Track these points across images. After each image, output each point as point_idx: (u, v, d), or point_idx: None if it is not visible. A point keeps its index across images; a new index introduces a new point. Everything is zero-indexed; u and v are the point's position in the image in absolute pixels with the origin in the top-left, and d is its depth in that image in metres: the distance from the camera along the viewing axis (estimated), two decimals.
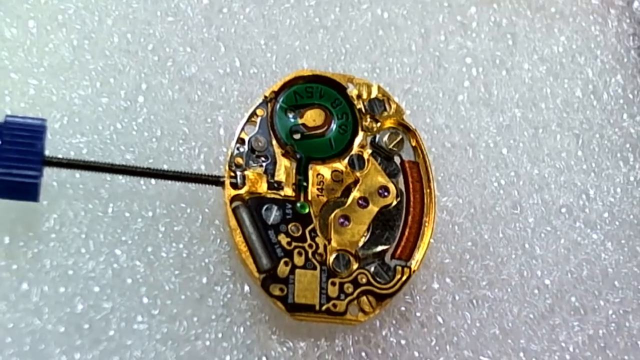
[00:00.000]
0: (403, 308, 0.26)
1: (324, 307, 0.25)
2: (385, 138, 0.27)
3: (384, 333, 0.26)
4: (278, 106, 0.27)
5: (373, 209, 0.26)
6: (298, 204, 0.26)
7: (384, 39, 0.29)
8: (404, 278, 0.26)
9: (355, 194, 0.26)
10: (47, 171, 0.25)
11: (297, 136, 0.26)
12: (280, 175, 0.26)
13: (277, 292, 0.25)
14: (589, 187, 0.29)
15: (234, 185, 0.25)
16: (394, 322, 0.26)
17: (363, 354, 0.26)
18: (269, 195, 0.26)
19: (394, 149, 0.27)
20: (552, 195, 0.28)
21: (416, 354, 0.26)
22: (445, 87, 0.29)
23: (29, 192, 0.24)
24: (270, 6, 0.29)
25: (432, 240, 0.26)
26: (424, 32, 0.30)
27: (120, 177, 0.26)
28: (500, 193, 0.28)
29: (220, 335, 0.25)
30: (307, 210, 0.26)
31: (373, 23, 0.30)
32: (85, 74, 0.27)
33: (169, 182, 0.26)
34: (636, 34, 0.31)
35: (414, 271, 0.26)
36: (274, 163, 0.26)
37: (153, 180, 0.26)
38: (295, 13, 0.29)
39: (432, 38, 0.30)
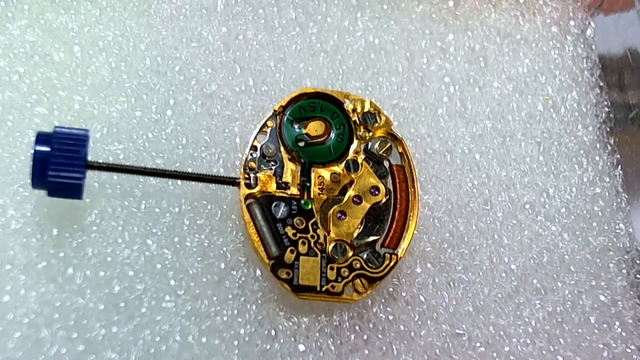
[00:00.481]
0: (391, 289, 0.27)
1: (323, 288, 0.25)
2: (376, 145, 0.27)
3: (374, 310, 0.26)
4: (285, 118, 0.27)
5: (366, 205, 0.26)
6: (302, 201, 0.26)
7: (375, 61, 0.30)
8: (391, 263, 0.26)
9: (350, 192, 0.26)
10: (90, 174, 0.25)
11: (301, 144, 0.27)
12: (287, 177, 0.26)
13: (284, 276, 0.25)
14: (549, 187, 0.29)
15: (248, 185, 0.26)
16: (383, 300, 0.27)
17: (357, 327, 0.26)
18: (277, 194, 0.26)
19: (384, 154, 0.27)
20: (517, 194, 0.28)
21: (402, 327, 0.26)
22: (427, 102, 0.29)
23: (74, 191, 0.25)
24: (278, 34, 0.29)
25: (415, 232, 0.26)
26: (409, 56, 0.30)
27: (151, 178, 0.27)
28: (474, 192, 0.28)
29: (235, 312, 0.25)
30: (309, 207, 0.26)
31: (366, 48, 0.30)
32: (121, 91, 0.28)
33: (193, 182, 0.26)
34: (589, 57, 0.31)
35: (400, 258, 0.26)
36: (282, 167, 0.26)
37: (179, 181, 0.27)
38: (299, 39, 0.29)
39: (415, 61, 0.30)
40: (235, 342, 0.25)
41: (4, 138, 0.26)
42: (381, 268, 0.26)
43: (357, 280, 0.26)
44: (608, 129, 0.30)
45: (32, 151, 0.24)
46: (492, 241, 0.28)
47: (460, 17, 0.31)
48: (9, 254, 0.25)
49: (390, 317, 0.26)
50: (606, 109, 0.30)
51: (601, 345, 0.27)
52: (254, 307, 0.26)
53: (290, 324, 0.26)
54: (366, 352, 0.26)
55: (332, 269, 0.26)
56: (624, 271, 0.28)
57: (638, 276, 0.28)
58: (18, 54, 0.27)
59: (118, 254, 0.26)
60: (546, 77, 0.31)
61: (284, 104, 0.27)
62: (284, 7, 0.30)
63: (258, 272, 0.26)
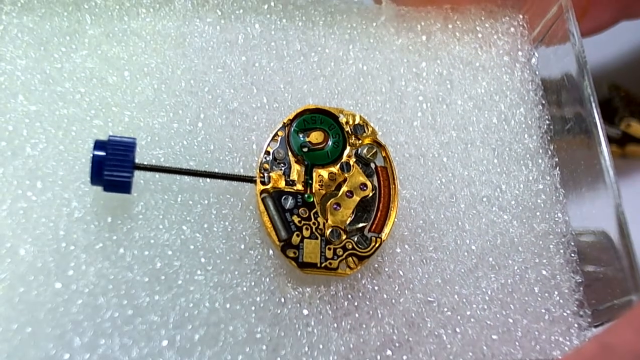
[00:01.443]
0: (376, 265, 0.26)
1: (323, 265, 0.25)
2: (365, 151, 0.27)
3: (363, 282, 0.26)
4: (292, 129, 0.27)
5: (356, 198, 0.26)
6: (306, 195, 0.26)
7: (364, 83, 0.29)
8: (377, 245, 0.26)
9: (344, 188, 0.26)
10: (137, 173, 0.25)
11: (305, 149, 0.26)
12: (294, 176, 0.26)
13: (291, 255, 0.25)
14: (502, 184, 0.29)
15: (263, 182, 0.26)
16: (370, 274, 0.26)
17: (349, 296, 0.26)
18: (286, 189, 0.26)
19: (370, 158, 0.27)
20: (477, 189, 0.28)
21: (385, 296, 0.26)
22: (404, 117, 0.29)
23: (124, 187, 0.25)
24: (287, 62, 0.29)
25: (395, 220, 0.26)
26: (390, 79, 0.30)
27: (186, 177, 0.26)
28: (442, 188, 0.28)
29: (252, 283, 0.25)
30: (311, 200, 0.26)
31: (356, 73, 0.30)
32: (162, 107, 0.27)
33: (219, 180, 0.26)
34: (533, 80, 0.31)
35: (383, 240, 0.26)
36: (290, 168, 0.26)
37: (208, 179, 0.26)
38: (303, 66, 0.29)
39: (395, 83, 0.30)
40: (253, 308, 0.25)
41: (69, 145, 0.26)
42: (368, 249, 0.26)
43: (349, 259, 0.25)
44: (549, 137, 0.30)
45: (91, 155, 0.24)
46: (457, 227, 0.28)
47: (431, 49, 0.31)
48: (73, 237, 0.25)
49: (376, 288, 0.26)
50: (547, 122, 0.30)
51: (543, 310, 0.27)
52: (267, 279, 0.25)
53: (296, 293, 0.25)
54: (357, 315, 0.26)
55: (329, 249, 0.25)
56: (561, 251, 0.28)
57: (572, 255, 0.28)
58: (80, 78, 0.27)
59: (159, 237, 0.25)
60: (499, 97, 0.30)
61: (291, 117, 0.27)
62: (291, 41, 0.30)
63: (270, 251, 0.26)
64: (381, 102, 0.29)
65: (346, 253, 0.25)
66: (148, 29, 0.28)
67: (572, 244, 0.28)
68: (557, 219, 0.28)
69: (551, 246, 0.28)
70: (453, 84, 0.30)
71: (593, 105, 0.28)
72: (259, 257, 0.26)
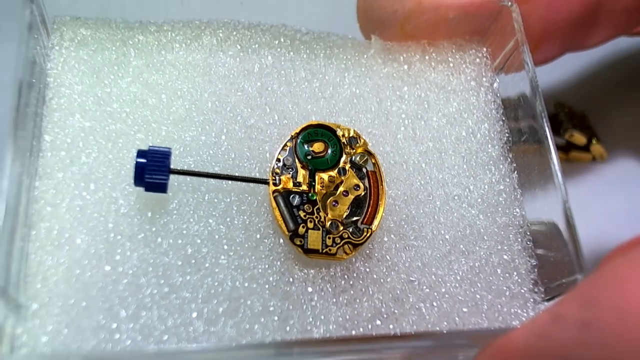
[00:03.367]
0: (367, 251, 0.26)
1: (324, 251, 0.25)
2: (358, 158, 0.27)
3: (357, 265, 0.26)
4: (298, 141, 0.27)
5: (351, 197, 0.26)
6: (310, 194, 0.26)
7: (357, 104, 0.29)
8: (368, 235, 0.26)
9: (341, 188, 0.26)
10: (172, 177, 0.25)
11: (309, 157, 0.27)
12: (300, 179, 0.26)
13: (298, 243, 0.25)
14: (470, 185, 0.29)
15: (274, 184, 0.26)
16: (362, 259, 0.26)
17: (345, 276, 0.26)
18: (293, 189, 0.26)
19: (363, 164, 0.27)
20: (449, 189, 0.28)
21: (374, 276, 0.26)
22: (390, 131, 0.29)
23: (162, 188, 0.25)
24: (294, 87, 0.29)
25: (383, 214, 0.26)
26: (378, 101, 0.30)
27: (212, 180, 0.26)
28: (421, 188, 0.28)
29: (266, 266, 0.25)
30: (314, 198, 0.26)
31: (350, 95, 0.30)
32: (192, 124, 0.27)
33: (239, 182, 0.26)
34: (495, 101, 0.31)
35: (373, 231, 0.26)
36: (296, 172, 0.26)
37: (230, 182, 0.26)
38: (307, 90, 0.29)
39: (382, 104, 0.30)
40: (267, 286, 0.25)
41: (117, 154, 0.26)
42: (361, 238, 0.26)
43: (345, 246, 0.25)
44: (508, 147, 0.30)
45: (135, 162, 0.24)
46: (433, 220, 0.28)
47: (412, 76, 0.31)
48: (120, 229, 0.25)
49: (367, 270, 0.26)
50: (507, 135, 0.30)
51: (505, 288, 0.27)
52: (278, 263, 0.25)
53: (302, 274, 0.25)
54: (352, 292, 0.26)
55: (329, 238, 0.25)
56: (519, 239, 0.28)
57: (528, 242, 0.28)
58: (125, 100, 0.27)
59: (190, 229, 0.25)
60: (467, 114, 0.30)
61: (297, 131, 0.27)
62: (297, 69, 0.30)
63: (281, 240, 0.26)
64: (371, 119, 0.29)
65: (343, 241, 0.25)
66: (181, 60, 0.29)
67: (528, 233, 0.28)
68: (515, 213, 0.28)
69: (511, 235, 0.28)
70: (429, 104, 0.30)
71: (544, 120, 0.28)
72: (271, 244, 0.26)
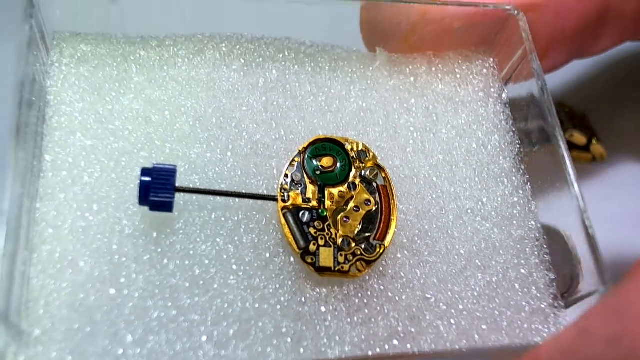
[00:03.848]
0: (381, 268, 0.26)
1: (336, 269, 0.24)
2: (368, 172, 0.26)
3: (370, 283, 0.25)
4: (306, 156, 0.26)
5: (362, 212, 0.25)
6: (320, 210, 0.25)
7: (364, 117, 0.29)
8: (381, 251, 0.25)
9: (351, 204, 0.26)
10: (178, 195, 0.24)
11: (318, 172, 0.26)
12: (309, 195, 0.25)
13: (309, 260, 0.24)
14: (483, 197, 0.28)
15: (283, 200, 0.25)
16: (376, 276, 0.25)
17: (359, 294, 0.25)
18: (303, 206, 0.25)
19: (373, 178, 0.26)
20: (462, 203, 0.28)
21: (389, 294, 0.25)
22: (399, 144, 0.29)
23: (167, 207, 0.24)
24: (299, 100, 0.29)
25: (396, 230, 0.26)
26: (385, 114, 0.29)
27: (219, 198, 0.25)
28: (433, 202, 0.27)
29: (277, 285, 0.24)
30: (325, 214, 0.25)
31: (357, 109, 0.29)
32: (197, 140, 0.27)
33: (246, 200, 0.25)
34: (504, 112, 0.30)
35: (386, 247, 0.25)
36: (305, 188, 0.25)
37: (237, 199, 0.25)
38: (314, 104, 0.29)
39: (390, 117, 0.29)
40: (278, 307, 0.24)
41: (120, 173, 0.25)
42: (374, 254, 0.25)
43: (358, 263, 0.25)
44: (519, 159, 0.29)
45: (139, 180, 0.24)
46: (447, 235, 0.27)
47: (419, 88, 0.30)
48: (124, 250, 0.24)
49: (382, 287, 0.25)
50: (517, 146, 0.30)
51: (524, 303, 0.26)
52: (289, 282, 0.25)
53: (315, 293, 0.24)
54: (366, 311, 0.25)
55: (341, 255, 0.24)
56: (536, 253, 0.27)
57: (545, 256, 0.27)
58: (128, 117, 0.27)
59: (197, 249, 0.24)
60: (477, 126, 0.30)
61: (305, 146, 0.26)
62: (302, 83, 0.29)
63: (292, 259, 0.25)
64: (379, 133, 0.29)
65: (355, 258, 0.25)
66: (184, 75, 0.28)
67: (545, 246, 0.27)
68: (530, 226, 0.28)
69: (527, 249, 0.27)
70: (438, 116, 0.30)
71: (558, 131, 0.27)
72: (282, 263, 0.25)
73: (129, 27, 0.28)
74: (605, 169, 0.38)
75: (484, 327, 0.25)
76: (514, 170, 0.29)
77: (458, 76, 0.31)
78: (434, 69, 0.31)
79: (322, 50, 0.30)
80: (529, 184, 0.29)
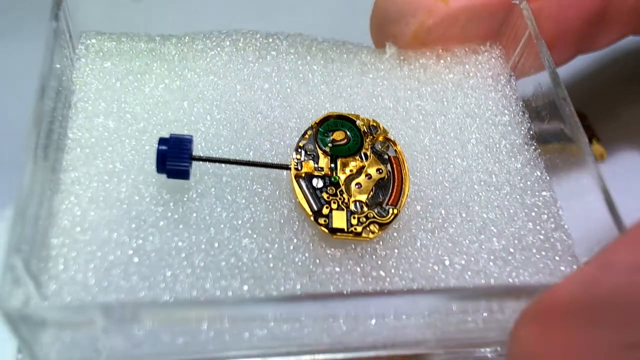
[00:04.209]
0: (395, 233, 0.26)
1: (349, 230, 0.24)
2: (379, 145, 0.27)
3: (384, 245, 0.25)
4: (319, 130, 0.27)
5: (374, 179, 0.26)
6: (332, 177, 0.26)
7: (375, 103, 0.30)
8: (394, 214, 0.25)
9: (363, 172, 0.26)
10: (195, 166, 0.25)
11: (330, 145, 0.26)
12: (321, 164, 0.26)
13: (322, 222, 0.24)
14: (495, 170, 0.28)
15: (296, 169, 0.26)
16: (390, 240, 0.25)
17: (373, 256, 0.25)
18: (315, 173, 0.26)
19: (384, 150, 0.27)
20: (474, 175, 0.28)
21: (404, 256, 0.25)
22: (410, 125, 0.29)
23: (184, 175, 0.25)
24: (312, 87, 0.30)
25: (408, 199, 0.26)
26: (396, 99, 0.30)
27: (234, 168, 0.26)
28: (445, 175, 0.28)
29: (292, 247, 0.25)
30: (337, 180, 0.26)
31: (368, 96, 0.30)
32: (213, 121, 0.28)
33: (261, 170, 0.26)
34: (514, 94, 0.31)
35: (399, 211, 0.25)
36: (318, 158, 0.26)
37: (251, 170, 0.26)
38: (326, 90, 0.30)
39: (400, 102, 0.30)
40: (292, 266, 0.24)
41: (140, 149, 0.26)
42: (387, 217, 0.25)
43: (371, 226, 0.25)
44: (530, 135, 0.30)
45: (157, 149, 0.24)
46: (460, 204, 0.27)
47: (428, 77, 0.31)
48: (142, 217, 0.25)
49: (396, 250, 0.25)
50: (528, 124, 0.30)
51: (541, 265, 0.25)
52: (303, 245, 0.25)
53: (329, 254, 0.25)
54: (381, 272, 0.24)
55: (354, 218, 0.25)
56: (552, 219, 0.27)
57: (561, 222, 0.27)
58: (148, 103, 0.28)
59: (213, 215, 0.25)
60: (486, 107, 0.30)
61: (317, 121, 0.27)
62: (315, 73, 0.30)
63: (306, 223, 0.25)
64: (390, 116, 0.29)
65: (368, 221, 0.25)
66: (202, 67, 0.29)
67: (561, 213, 0.27)
68: (545, 195, 0.27)
69: (543, 216, 0.27)
70: (448, 100, 0.30)
71: (571, 110, 0.27)
72: (296, 228, 0.25)
73: (150, 26, 0.30)
74: (605, 168, 0.37)
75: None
76: (525, 146, 0.29)
77: (466, 66, 0.32)
78: (442, 61, 0.32)
79: (333, 45, 0.31)
80: (540, 157, 0.29)
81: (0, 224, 0.31)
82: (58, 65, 0.26)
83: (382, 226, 0.25)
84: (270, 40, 0.31)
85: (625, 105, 0.39)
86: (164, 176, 0.25)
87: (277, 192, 0.26)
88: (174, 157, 0.24)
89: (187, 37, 0.30)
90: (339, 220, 0.25)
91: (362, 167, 0.26)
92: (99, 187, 0.25)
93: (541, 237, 0.26)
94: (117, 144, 0.26)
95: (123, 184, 0.25)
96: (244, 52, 0.30)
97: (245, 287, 0.23)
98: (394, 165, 0.26)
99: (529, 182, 0.28)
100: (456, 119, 0.30)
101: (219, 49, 0.30)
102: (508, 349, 0.21)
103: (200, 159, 0.25)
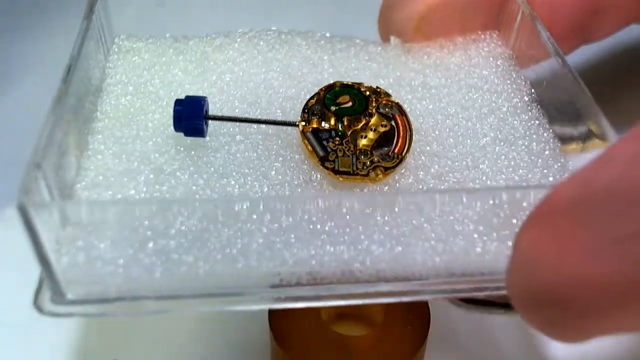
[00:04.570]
0: (401, 179, 0.26)
1: (355, 172, 0.26)
2: (383, 106, 0.28)
3: (385, 188, 0.26)
4: (326, 96, 0.28)
5: (379, 132, 0.27)
6: (338, 130, 0.27)
7: (381, 81, 0.31)
8: (400, 159, 0.26)
9: (368, 126, 0.27)
10: (210, 124, 0.27)
11: (336, 107, 0.28)
12: (327, 121, 0.27)
13: (329, 166, 0.26)
14: (500, 128, 0.29)
15: (304, 125, 0.27)
16: (396, 184, 0.26)
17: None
18: (322, 128, 0.27)
19: (388, 110, 0.28)
20: (480, 133, 0.29)
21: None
22: (415, 97, 0.30)
23: (199, 132, 0.27)
24: (321, 72, 0.31)
25: (413, 150, 0.27)
26: (399, 76, 0.32)
27: (247, 126, 0.28)
28: (450, 134, 0.29)
29: (299, 190, 0.25)
30: (342, 132, 0.27)
31: (375, 77, 0.31)
32: (228, 97, 0.30)
33: (273, 126, 0.28)
34: (514, 69, 0.32)
35: (404, 157, 0.26)
36: (324, 116, 0.27)
37: (263, 129, 0.28)
38: (334, 73, 0.31)
39: (405, 80, 0.31)
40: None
41: (161, 119, 0.28)
42: (392, 162, 0.26)
43: (377, 169, 0.26)
44: (533, 98, 0.30)
45: (173, 110, 0.26)
46: (467, 157, 0.27)
47: (432, 61, 0.33)
48: (161, 169, 0.26)
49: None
50: (532, 92, 0.31)
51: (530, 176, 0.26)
52: (313, 189, 0.26)
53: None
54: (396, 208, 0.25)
55: (359, 163, 0.26)
56: (558, 163, 0.27)
57: (567, 164, 0.27)
58: (171, 87, 0.30)
59: (228, 167, 0.26)
60: (490, 80, 0.32)
61: (323, 88, 0.29)
62: (324, 60, 0.32)
63: (314, 172, 0.26)
64: (395, 91, 0.30)
65: (373, 165, 0.26)
66: (221, 58, 0.32)
67: (568, 162, 0.27)
68: (550, 144, 0.28)
69: (549, 161, 0.27)
70: (451, 77, 0.32)
71: (577, 78, 0.27)
72: (304, 177, 0.26)
73: (173, 29, 0.33)
74: None
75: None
76: (528, 108, 0.30)
77: (468, 51, 0.33)
78: (445, 49, 0.34)
79: (342, 40, 0.34)
80: (544, 116, 0.29)
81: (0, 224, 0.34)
82: (91, 62, 0.29)
83: (387, 170, 0.26)
84: (283, 36, 0.33)
85: (626, 101, 0.40)
86: (182, 136, 0.27)
87: (287, 148, 0.27)
88: (190, 116, 0.26)
89: (207, 37, 0.33)
90: (345, 164, 0.26)
91: (367, 123, 0.27)
92: (122, 147, 0.27)
93: (550, 179, 0.26)
94: (141, 116, 0.28)
95: (145, 144, 0.27)
96: (259, 45, 0.33)
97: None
98: (399, 122, 0.28)
99: (534, 135, 0.28)
100: (460, 90, 0.31)
101: (235, 44, 0.33)
102: (509, 262, 0.21)
103: (214, 117, 0.27)
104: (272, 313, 0.28)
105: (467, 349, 0.32)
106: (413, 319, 0.28)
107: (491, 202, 0.23)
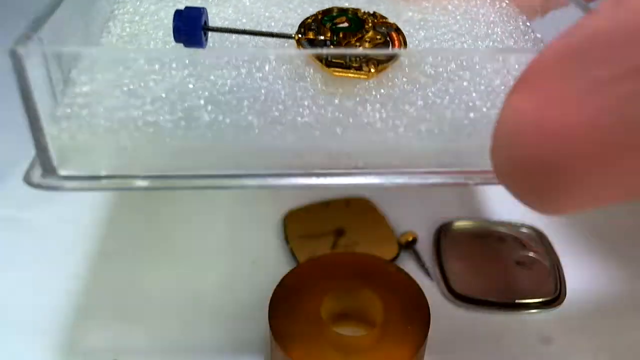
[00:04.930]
0: (396, 79, 0.26)
1: (347, 64, 0.26)
2: (379, 25, 0.28)
3: (382, 88, 0.26)
4: (324, 18, 0.29)
5: (374, 42, 0.27)
6: (333, 40, 0.27)
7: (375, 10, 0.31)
8: (392, 58, 0.26)
9: (364, 38, 0.27)
10: (211, 36, 0.28)
11: (332, 26, 0.28)
12: (323, 35, 0.28)
13: (322, 61, 0.26)
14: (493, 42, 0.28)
15: (299, 37, 0.27)
16: (389, 83, 0.26)
17: (373, 92, 0.25)
18: (317, 39, 0.27)
19: (384, 29, 0.28)
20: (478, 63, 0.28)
21: (404, 95, 0.25)
22: (414, 28, 0.31)
23: (198, 42, 0.27)
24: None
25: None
26: (398, 16, 0.31)
27: (246, 38, 0.28)
28: (447, 56, 0.28)
29: (299, 93, 0.26)
30: (338, 41, 0.27)
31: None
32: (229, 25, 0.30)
33: (273, 38, 0.28)
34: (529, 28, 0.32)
35: (397, 55, 0.26)
36: (320, 31, 0.28)
37: (261, 40, 0.28)
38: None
39: (402, 17, 0.31)
40: (307, 112, 0.25)
41: (164, 36, 0.29)
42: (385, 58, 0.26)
43: (370, 64, 0.26)
44: (532, 30, 0.30)
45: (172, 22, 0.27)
46: (462, 63, 0.27)
47: (432, 4, 0.33)
48: (165, 77, 0.26)
49: (397, 90, 0.26)
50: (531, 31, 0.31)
51: None
52: (310, 92, 0.26)
53: (332, 91, 0.25)
54: (377, 105, 0.25)
55: (353, 59, 0.26)
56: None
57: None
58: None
59: (226, 78, 0.26)
60: (487, 15, 0.32)
61: (321, 11, 0.29)
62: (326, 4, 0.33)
63: (309, 79, 0.26)
64: (411, 36, 0.30)
65: (367, 59, 0.26)
66: (226, 3, 0.33)
67: None
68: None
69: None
70: (449, 15, 0.32)
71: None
72: (300, 78, 0.26)
73: None
74: None
75: None
76: (523, 33, 0.30)
77: (473, 9, 0.34)
78: (450, 6, 0.34)
79: None
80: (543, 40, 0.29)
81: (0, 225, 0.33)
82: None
83: (380, 64, 0.26)
84: None
85: None
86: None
87: (284, 57, 0.27)
88: (189, 27, 0.27)
89: None
90: (338, 59, 0.26)
91: (362, 37, 0.27)
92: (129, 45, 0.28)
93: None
94: (149, 31, 0.30)
95: (148, 53, 0.27)
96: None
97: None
98: (394, 38, 0.28)
99: (528, 44, 0.29)
100: (457, 22, 0.31)
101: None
102: (493, 132, 0.20)
103: (212, 29, 0.27)
104: (272, 313, 0.27)
105: (467, 349, 0.31)
106: (413, 319, 0.27)
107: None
